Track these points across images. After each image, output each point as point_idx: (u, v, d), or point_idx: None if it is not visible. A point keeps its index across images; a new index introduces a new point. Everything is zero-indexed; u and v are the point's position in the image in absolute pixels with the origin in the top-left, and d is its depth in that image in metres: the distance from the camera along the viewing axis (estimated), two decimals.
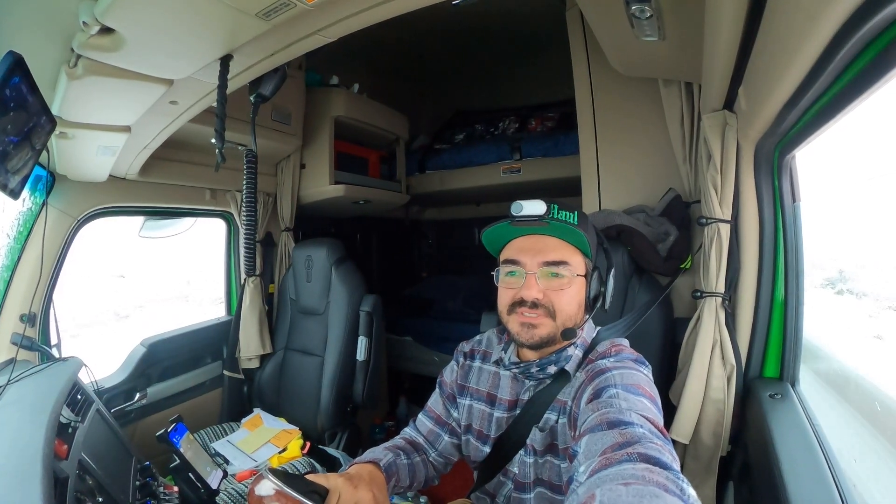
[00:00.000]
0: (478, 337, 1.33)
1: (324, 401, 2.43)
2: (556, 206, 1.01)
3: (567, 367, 1.05)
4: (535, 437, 1.06)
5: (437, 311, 3.91)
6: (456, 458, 1.28)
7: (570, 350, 1.07)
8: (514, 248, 1.05)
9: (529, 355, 1.10)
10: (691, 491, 0.60)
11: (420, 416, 1.32)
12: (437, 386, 1.33)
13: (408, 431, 1.30)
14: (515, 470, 1.11)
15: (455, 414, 1.26)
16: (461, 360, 1.30)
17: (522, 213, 1.00)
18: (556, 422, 1.04)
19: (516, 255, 1.04)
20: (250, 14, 0.99)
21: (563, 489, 1.02)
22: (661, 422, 0.82)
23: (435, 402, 1.31)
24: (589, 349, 1.09)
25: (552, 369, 1.07)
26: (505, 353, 1.17)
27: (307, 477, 0.86)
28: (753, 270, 1.39)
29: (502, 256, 1.08)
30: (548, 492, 1.06)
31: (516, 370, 1.12)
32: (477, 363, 1.26)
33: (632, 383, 0.89)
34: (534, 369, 1.08)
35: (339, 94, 2.76)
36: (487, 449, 1.16)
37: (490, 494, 1.19)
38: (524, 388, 1.13)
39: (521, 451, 1.09)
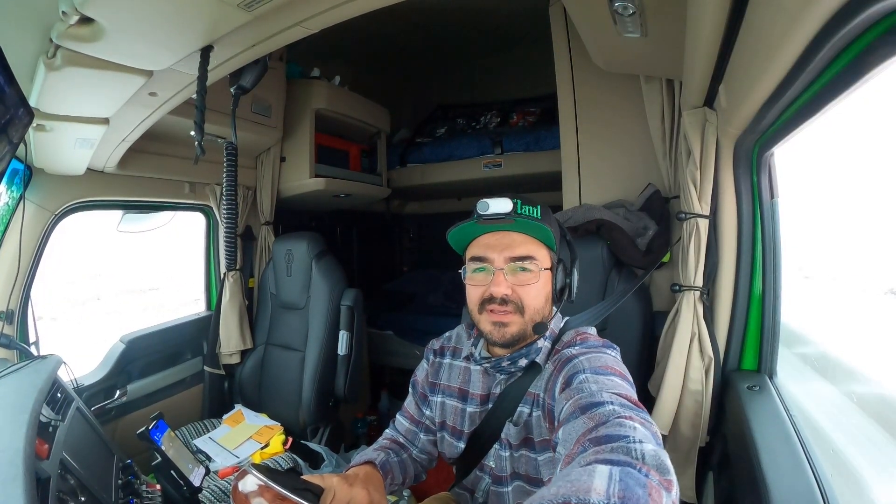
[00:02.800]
0: (447, 333, 1.34)
1: (305, 396, 2.42)
2: (520, 202, 1.02)
3: (538, 360, 1.06)
4: (510, 432, 1.06)
5: (418, 305, 3.92)
6: (436, 453, 1.30)
7: (540, 342, 1.08)
8: (480, 244, 1.06)
9: (500, 352, 1.11)
10: (648, 449, 0.61)
11: (397, 415, 1.33)
12: (410, 386, 1.34)
13: (388, 432, 1.32)
14: (492, 464, 1.12)
15: (428, 412, 1.27)
16: (431, 357, 1.30)
17: (489, 212, 1.00)
18: (531, 415, 1.04)
19: (483, 252, 1.04)
20: (232, 4, 0.98)
21: (542, 482, 1.03)
22: (632, 394, 0.83)
23: (409, 402, 1.32)
24: (556, 339, 1.10)
25: (523, 362, 1.08)
26: (475, 348, 1.17)
27: (303, 478, 0.86)
28: (731, 265, 1.43)
29: (469, 254, 1.09)
30: (526, 485, 1.06)
31: (487, 365, 1.12)
32: (447, 360, 1.26)
33: (600, 365, 0.90)
34: (505, 363, 1.08)
35: (320, 87, 2.73)
36: (462, 444, 1.16)
37: (469, 489, 1.20)
38: (495, 381, 1.13)
39: (497, 445, 1.10)
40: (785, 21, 0.66)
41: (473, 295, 1.07)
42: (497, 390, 1.11)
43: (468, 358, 1.20)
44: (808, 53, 0.69)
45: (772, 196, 1.34)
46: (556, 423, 0.88)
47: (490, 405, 1.11)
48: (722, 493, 1.34)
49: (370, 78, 3.68)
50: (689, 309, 1.46)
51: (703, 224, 1.41)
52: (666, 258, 1.67)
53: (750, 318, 1.43)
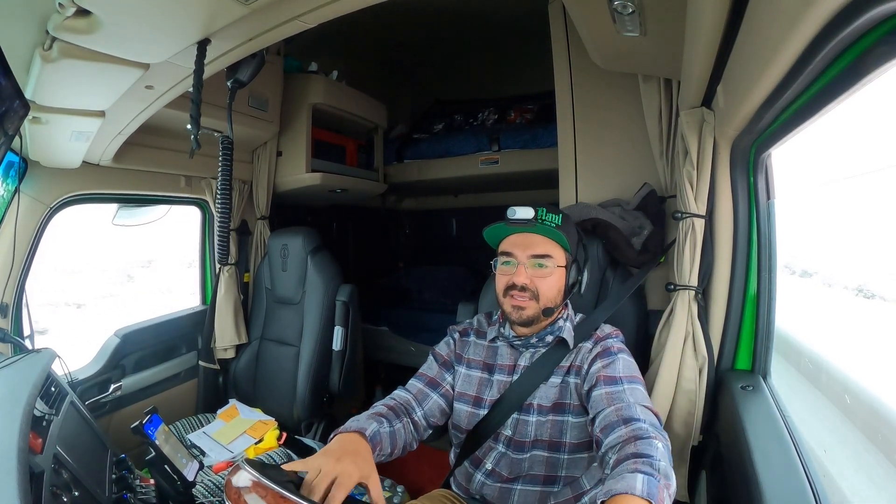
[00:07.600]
0: (467, 321, 1.52)
1: (300, 391, 2.42)
2: (544, 210, 1.25)
3: (564, 336, 1.29)
4: (544, 395, 1.27)
5: (414, 301, 3.91)
6: (438, 423, 1.37)
7: (561, 322, 1.32)
8: (509, 242, 1.30)
9: (525, 331, 1.32)
10: (663, 465, 0.87)
11: (411, 380, 1.41)
12: (430, 355, 1.47)
13: (397, 393, 1.36)
14: (509, 432, 1.29)
15: (449, 379, 1.40)
16: (456, 336, 1.47)
17: (515, 217, 1.24)
18: (569, 381, 1.26)
19: (510, 249, 1.28)
20: None
21: (564, 445, 1.23)
22: (650, 402, 1.11)
23: (428, 367, 1.43)
24: (586, 324, 1.34)
25: (549, 339, 1.31)
26: (503, 329, 1.38)
27: (282, 467, 0.86)
28: (727, 265, 1.43)
29: (500, 248, 1.32)
30: (544, 453, 1.24)
31: (518, 342, 1.34)
32: (472, 338, 1.45)
33: (632, 375, 1.18)
34: (533, 340, 1.32)
35: (317, 81, 2.71)
36: (483, 412, 1.32)
37: (476, 461, 1.33)
38: (521, 355, 1.34)
39: (518, 414, 1.28)
40: (784, 22, 0.66)
41: (500, 282, 1.30)
42: (522, 362, 1.33)
43: (494, 339, 1.40)
44: (807, 55, 0.70)
45: (768, 197, 1.35)
46: (589, 402, 1.16)
47: (516, 376, 1.31)
48: (714, 491, 1.36)
49: (368, 73, 3.66)
50: (683, 308, 1.47)
51: (699, 224, 1.42)
52: (663, 258, 1.67)
53: (744, 319, 1.44)
